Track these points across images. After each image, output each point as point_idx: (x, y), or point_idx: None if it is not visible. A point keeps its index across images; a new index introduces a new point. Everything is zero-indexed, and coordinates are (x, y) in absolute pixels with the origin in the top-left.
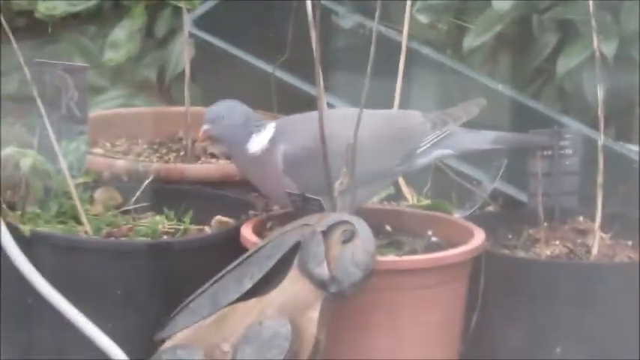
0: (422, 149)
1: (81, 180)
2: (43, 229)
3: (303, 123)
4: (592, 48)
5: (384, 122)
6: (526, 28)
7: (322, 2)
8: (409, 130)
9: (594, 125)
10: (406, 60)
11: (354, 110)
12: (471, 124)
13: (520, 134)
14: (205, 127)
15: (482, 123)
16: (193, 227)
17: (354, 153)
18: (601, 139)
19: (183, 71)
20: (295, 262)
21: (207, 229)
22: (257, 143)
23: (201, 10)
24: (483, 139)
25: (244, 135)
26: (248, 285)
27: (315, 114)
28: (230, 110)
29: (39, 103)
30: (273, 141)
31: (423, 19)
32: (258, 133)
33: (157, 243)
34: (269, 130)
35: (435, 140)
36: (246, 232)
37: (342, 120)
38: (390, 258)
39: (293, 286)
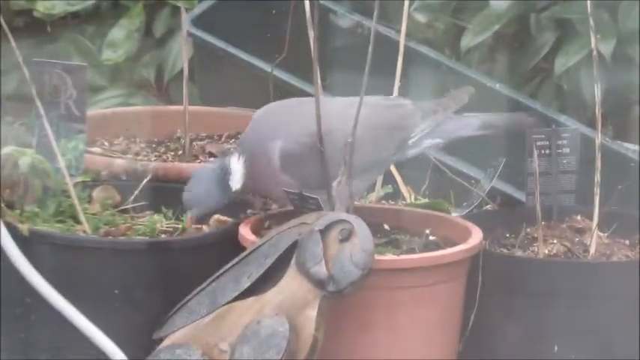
0: (413, 139)
1: (79, 179)
2: (42, 228)
3: (292, 115)
4: (590, 47)
5: (375, 113)
6: (524, 27)
7: (320, 1)
8: (401, 120)
9: (592, 124)
10: (404, 59)
11: (346, 101)
12: None
13: (505, 114)
14: (189, 214)
15: None
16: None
17: (352, 151)
18: (599, 138)
19: (182, 70)
20: (293, 261)
21: (206, 228)
22: (236, 181)
23: (199, 9)
24: (470, 126)
25: (223, 188)
26: (246, 284)
27: (297, 102)
28: (199, 186)
29: (38, 102)
30: (250, 157)
31: (420, 18)
32: (231, 173)
33: (155, 242)
34: (236, 162)
35: (427, 130)
36: (244, 231)
37: (337, 114)
38: (388, 257)
39: (291, 285)
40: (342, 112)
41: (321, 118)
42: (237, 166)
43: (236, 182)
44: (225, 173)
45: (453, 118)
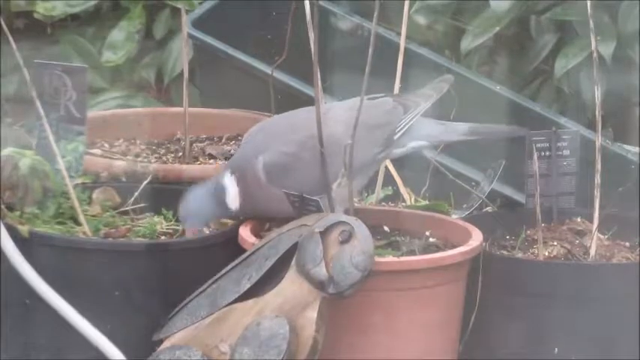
0: (398, 134)
1: (79, 180)
2: (42, 229)
3: (276, 129)
4: (590, 49)
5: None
6: (524, 29)
7: (320, 3)
8: (383, 117)
9: (592, 126)
10: (404, 61)
11: (332, 106)
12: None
13: (493, 125)
14: (187, 226)
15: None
16: None
17: (352, 153)
18: (598, 140)
19: (182, 72)
20: (293, 262)
21: (206, 230)
22: (233, 200)
23: (199, 11)
24: (457, 130)
25: (220, 204)
26: (246, 286)
27: (285, 116)
28: (194, 201)
29: (38, 103)
30: (240, 175)
31: (420, 20)
32: (227, 192)
33: (155, 243)
34: (229, 180)
35: (411, 122)
36: (244, 233)
37: (324, 120)
38: (388, 259)
39: (291, 286)
40: (328, 116)
41: (321, 121)
42: (231, 184)
43: (233, 200)
44: (221, 192)
45: (443, 123)
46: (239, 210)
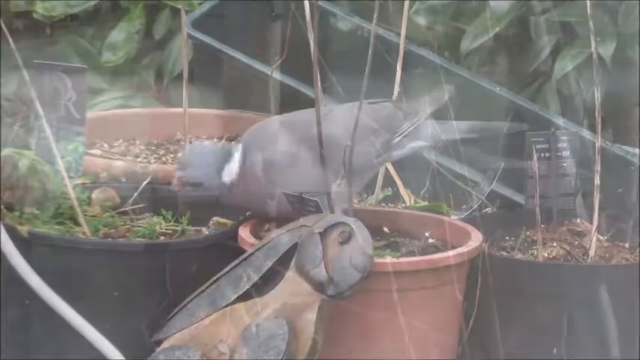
0: (397, 140)
1: (79, 181)
2: (41, 229)
3: (278, 128)
4: (590, 50)
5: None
6: (524, 30)
7: (320, 4)
8: (382, 121)
9: (592, 127)
10: (404, 62)
11: (332, 108)
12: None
13: (493, 122)
14: (179, 174)
15: None
16: (191, 228)
17: (352, 155)
18: (598, 141)
19: (182, 72)
20: (293, 263)
21: (205, 230)
22: (230, 170)
23: (199, 11)
24: (456, 129)
25: (217, 169)
26: (245, 286)
27: (284, 117)
28: (197, 152)
29: (37, 104)
30: (245, 157)
31: (420, 20)
32: (230, 161)
33: (154, 244)
34: (236, 153)
35: (410, 129)
36: (244, 234)
37: (324, 121)
38: (388, 259)
39: (290, 287)
40: (328, 118)
41: (309, 121)
42: (237, 157)
43: (229, 173)
44: (224, 156)
45: (441, 122)
46: (229, 191)
